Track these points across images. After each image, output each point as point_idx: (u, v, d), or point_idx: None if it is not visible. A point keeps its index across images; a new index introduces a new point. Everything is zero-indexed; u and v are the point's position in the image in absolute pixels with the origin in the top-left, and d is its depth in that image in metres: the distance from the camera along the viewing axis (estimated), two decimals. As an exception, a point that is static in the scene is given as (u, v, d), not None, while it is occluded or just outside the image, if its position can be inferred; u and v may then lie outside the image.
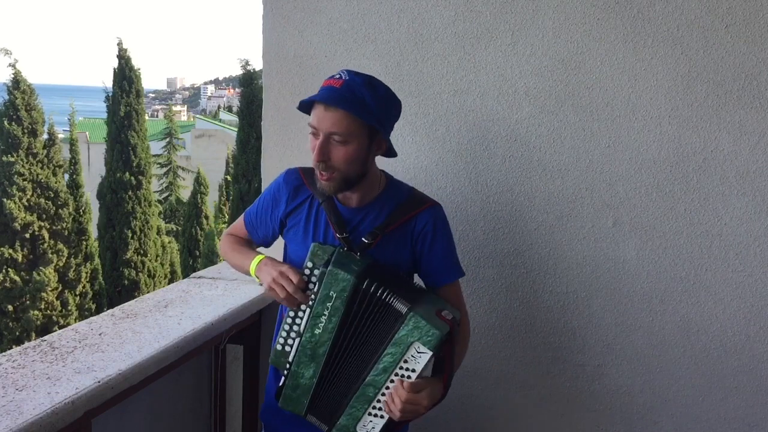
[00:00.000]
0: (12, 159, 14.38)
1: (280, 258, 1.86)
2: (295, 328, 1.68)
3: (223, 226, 20.36)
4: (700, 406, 2.23)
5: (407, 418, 1.62)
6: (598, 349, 2.27)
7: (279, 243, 1.93)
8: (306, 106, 1.68)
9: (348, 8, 2.29)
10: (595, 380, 2.29)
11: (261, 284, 1.76)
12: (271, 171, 2.40)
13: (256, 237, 1.93)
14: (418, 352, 1.56)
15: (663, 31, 2.08)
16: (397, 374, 1.59)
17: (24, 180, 14.55)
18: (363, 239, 1.70)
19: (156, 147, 24.16)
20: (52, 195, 15.06)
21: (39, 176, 14.79)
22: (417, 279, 1.85)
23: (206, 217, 20.83)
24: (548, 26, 2.15)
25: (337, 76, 1.67)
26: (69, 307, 15.13)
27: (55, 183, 15.16)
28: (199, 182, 21.21)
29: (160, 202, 23.30)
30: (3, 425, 1.38)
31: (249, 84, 17.25)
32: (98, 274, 16.31)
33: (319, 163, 1.64)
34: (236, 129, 20.08)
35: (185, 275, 19.88)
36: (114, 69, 17.86)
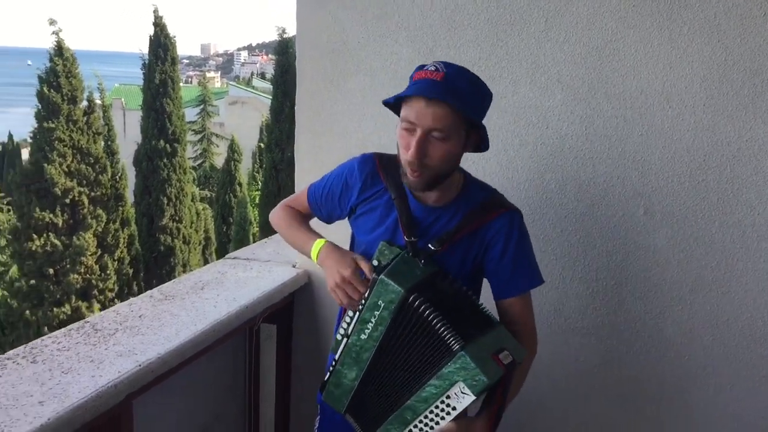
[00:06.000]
0: (52, 125, 14.62)
1: (344, 241, 1.82)
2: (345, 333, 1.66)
3: (257, 193, 20.57)
4: (729, 394, 2.24)
5: None
6: (626, 335, 2.28)
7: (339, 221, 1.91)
8: (394, 101, 1.58)
9: (381, -6, 2.30)
10: (622, 366, 2.31)
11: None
12: (304, 159, 2.45)
13: (319, 214, 1.88)
14: (462, 393, 1.48)
15: (699, 18, 2.05)
16: (437, 407, 1.53)
17: (64, 146, 14.80)
18: (429, 245, 1.62)
19: (190, 114, 24.39)
20: (92, 161, 15.31)
21: (79, 142, 15.03)
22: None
23: (239, 185, 21.07)
24: (582, 13, 2.13)
25: (433, 69, 1.54)
26: (108, 272, 15.49)
27: (95, 149, 15.39)
28: (233, 150, 21.41)
29: (194, 168, 23.59)
30: (51, 408, 1.45)
31: (284, 52, 17.25)
32: (135, 239, 16.63)
33: (414, 161, 1.53)
34: (269, 96, 20.15)
35: (219, 242, 20.24)
36: (150, 36, 18.01)
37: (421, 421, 1.57)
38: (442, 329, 1.48)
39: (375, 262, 1.61)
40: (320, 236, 1.79)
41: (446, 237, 1.64)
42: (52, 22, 15.17)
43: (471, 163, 2.27)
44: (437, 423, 1.54)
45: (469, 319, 1.56)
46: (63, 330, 1.88)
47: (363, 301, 1.58)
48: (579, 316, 2.31)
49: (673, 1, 2.06)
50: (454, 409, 1.51)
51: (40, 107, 14.76)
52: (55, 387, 1.55)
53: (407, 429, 1.60)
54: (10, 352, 1.72)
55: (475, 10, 2.22)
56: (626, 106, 2.15)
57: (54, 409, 1.45)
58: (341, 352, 1.65)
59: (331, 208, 1.83)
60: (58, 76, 14.79)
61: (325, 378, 1.72)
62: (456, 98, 1.50)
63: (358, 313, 1.60)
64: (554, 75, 2.19)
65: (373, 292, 1.56)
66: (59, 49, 15.00)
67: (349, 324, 1.64)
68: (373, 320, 1.57)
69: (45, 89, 14.65)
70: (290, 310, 2.52)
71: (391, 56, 2.31)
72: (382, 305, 1.55)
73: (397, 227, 1.68)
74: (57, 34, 14.98)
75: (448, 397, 1.51)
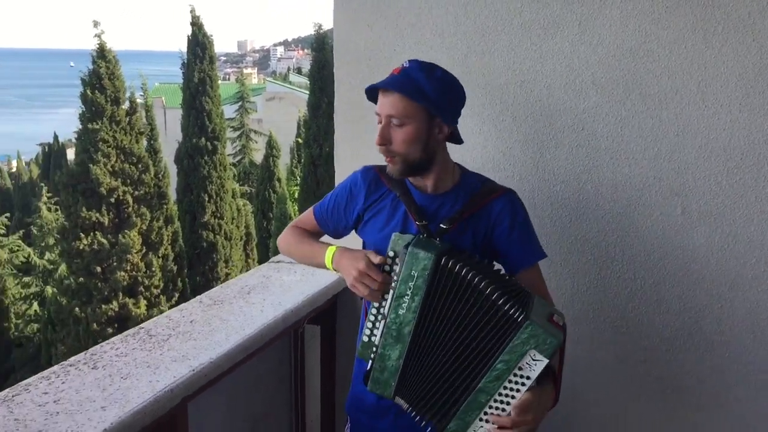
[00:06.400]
0: (97, 127, 14.95)
1: (357, 247, 1.90)
2: (380, 318, 1.69)
3: (295, 188, 20.78)
4: (770, 390, 2.25)
5: None
6: (665, 334, 2.30)
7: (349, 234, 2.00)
8: (374, 98, 1.77)
9: (415, 1, 2.34)
10: (662, 364, 2.32)
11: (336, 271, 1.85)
12: (344, 163, 2.51)
13: (326, 229, 2.00)
14: (534, 360, 1.53)
15: (733, 17, 2.05)
16: (510, 380, 1.56)
17: (108, 147, 15.12)
18: (441, 225, 1.74)
19: (228, 111, 24.69)
20: (135, 160, 15.62)
21: (122, 142, 15.35)
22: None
23: (278, 180, 21.31)
24: (615, 15, 2.15)
25: (400, 66, 1.75)
26: (153, 268, 15.82)
27: (138, 149, 15.71)
28: (271, 146, 21.65)
29: (234, 165, 23.91)
30: (113, 413, 1.54)
31: (321, 48, 17.36)
32: (178, 236, 16.94)
33: (380, 147, 1.73)
34: (306, 91, 20.30)
35: (259, 237, 20.52)
36: (188, 36, 18.31)
37: (496, 400, 1.59)
38: (497, 298, 1.54)
39: (391, 252, 1.68)
40: (331, 245, 1.89)
41: (456, 216, 1.76)
42: (95, 24, 15.49)
43: (507, 165, 2.32)
44: (513, 397, 1.56)
45: (501, 281, 1.63)
46: (120, 336, 1.97)
47: (395, 278, 1.64)
48: (618, 315, 2.34)
49: (706, 1, 2.06)
50: (528, 378, 1.55)
51: (84, 109, 15.11)
52: (115, 392, 1.64)
53: (482, 411, 1.60)
54: (72, 359, 1.82)
55: (509, 16, 2.25)
56: (661, 107, 2.17)
57: (116, 414, 1.54)
58: (381, 335, 1.67)
59: (337, 219, 1.95)
60: (101, 78, 15.10)
61: (368, 368, 1.72)
62: (405, 87, 1.68)
63: (392, 290, 1.64)
64: (588, 77, 2.21)
65: (405, 265, 1.61)
66: (101, 52, 15.31)
67: (375, 316, 1.69)
68: (409, 292, 1.61)
69: (88, 91, 14.99)
70: (333, 311, 2.59)
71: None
72: (416, 274, 1.60)
73: (406, 220, 1.79)
74: (99, 36, 15.29)
75: (520, 368, 1.55)
